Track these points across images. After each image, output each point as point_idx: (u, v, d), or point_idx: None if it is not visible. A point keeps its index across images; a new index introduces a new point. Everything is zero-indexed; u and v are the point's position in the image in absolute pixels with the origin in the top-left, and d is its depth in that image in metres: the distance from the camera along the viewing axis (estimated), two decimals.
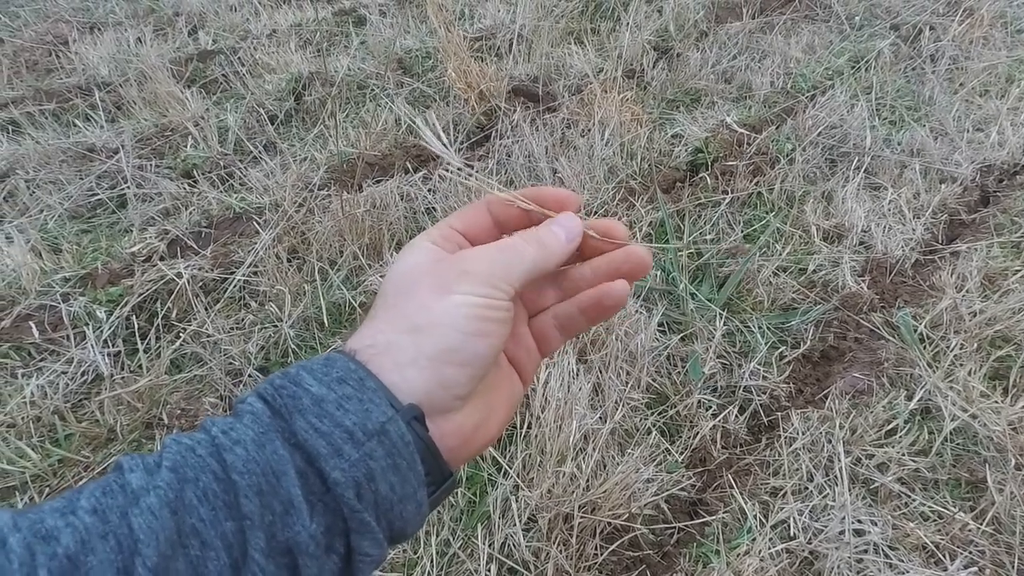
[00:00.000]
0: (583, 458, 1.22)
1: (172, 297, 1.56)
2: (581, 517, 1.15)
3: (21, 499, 1.23)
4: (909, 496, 1.25)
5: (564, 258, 0.38)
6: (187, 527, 0.27)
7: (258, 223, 1.79)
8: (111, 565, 0.25)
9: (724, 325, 1.54)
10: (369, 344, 0.33)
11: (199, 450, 0.29)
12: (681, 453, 1.32)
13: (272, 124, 2.23)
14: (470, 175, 0.40)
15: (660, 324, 1.54)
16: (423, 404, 0.33)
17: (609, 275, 0.41)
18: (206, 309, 1.55)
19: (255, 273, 1.65)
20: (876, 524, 1.19)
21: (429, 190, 1.90)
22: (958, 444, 1.34)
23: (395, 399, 0.32)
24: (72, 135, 2.19)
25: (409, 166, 2.01)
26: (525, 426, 1.29)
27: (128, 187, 1.92)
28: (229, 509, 0.28)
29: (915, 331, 1.54)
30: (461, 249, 0.38)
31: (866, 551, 1.16)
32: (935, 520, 1.22)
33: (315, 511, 0.29)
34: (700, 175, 2.04)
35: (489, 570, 1.12)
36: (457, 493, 1.23)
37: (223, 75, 2.50)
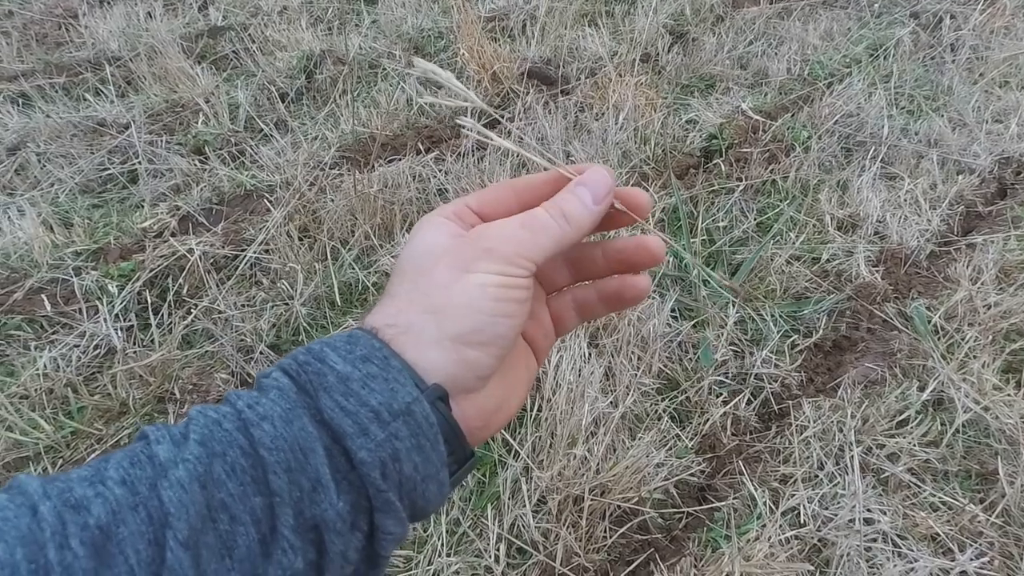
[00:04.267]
0: (594, 441, 1.22)
1: (184, 273, 1.56)
2: (591, 500, 1.16)
3: (34, 469, 1.24)
4: (919, 486, 1.24)
5: (591, 228, 0.36)
6: (216, 502, 0.27)
7: (269, 201, 1.78)
8: (142, 537, 0.25)
9: (736, 312, 1.53)
10: (391, 323, 0.33)
11: (226, 424, 0.29)
12: (691, 439, 1.32)
13: (283, 102, 2.22)
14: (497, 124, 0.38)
15: (672, 310, 1.53)
16: (447, 385, 0.32)
17: (621, 263, 0.40)
18: (217, 286, 1.55)
19: (266, 251, 1.65)
20: (886, 513, 1.19)
21: (441, 171, 1.88)
22: (970, 436, 1.34)
23: (420, 379, 0.32)
24: (83, 109, 2.18)
25: (421, 147, 1.99)
26: (536, 409, 1.29)
27: (139, 162, 1.91)
28: (257, 484, 0.28)
29: (929, 322, 1.53)
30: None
31: (875, 540, 1.16)
32: (945, 511, 1.22)
33: (341, 489, 0.29)
34: (714, 161, 2.02)
35: (498, 550, 1.13)
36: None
37: (233, 51, 2.48)
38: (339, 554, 0.29)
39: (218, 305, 1.51)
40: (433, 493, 0.32)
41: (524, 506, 1.16)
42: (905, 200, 1.90)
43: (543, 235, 0.34)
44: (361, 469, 0.29)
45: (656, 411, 1.35)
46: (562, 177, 0.38)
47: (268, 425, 0.29)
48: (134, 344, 1.45)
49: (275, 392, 0.30)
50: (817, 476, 1.26)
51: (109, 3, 2.88)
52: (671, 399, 1.38)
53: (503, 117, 2.10)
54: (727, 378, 1.44)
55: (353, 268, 1.63)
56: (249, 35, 2.55)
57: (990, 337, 1.49)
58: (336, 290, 1.57)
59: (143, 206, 1.80)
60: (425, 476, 0.31)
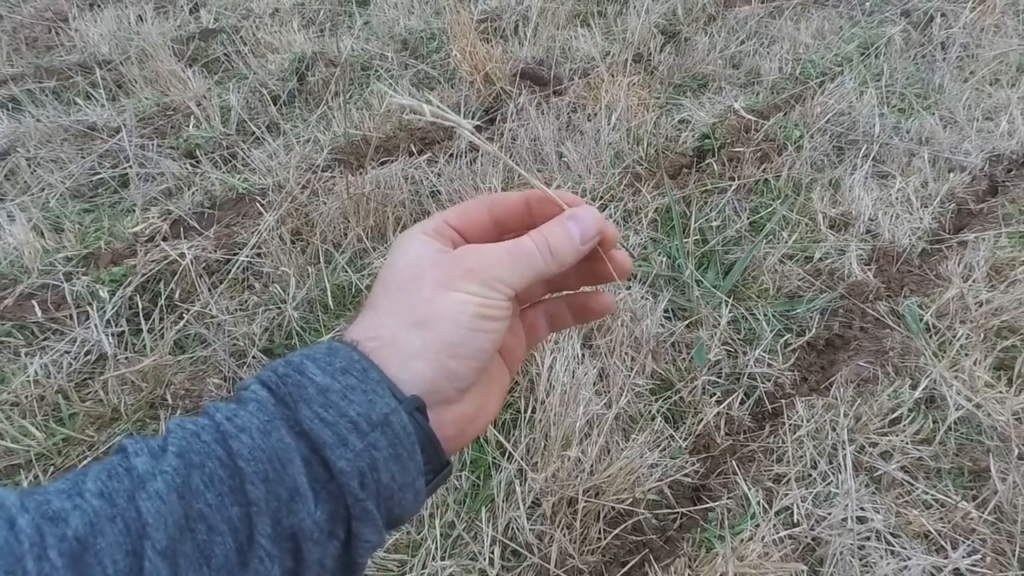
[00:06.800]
0: (588, 443, 1.22)
1: (175, 278, 1.56)
2: (585, 501, 1.16)
3: (25, 477, 1.23)
4: (912, 484, 1.25)
5: (572, 264, 0.38)
6: (194, 512, 0.27)
7: (261, 204, 1.78)
8: (120, 547, 0.25)
9: (729, 312, 1.54)
10: (372, 336, 0.34)
11: (204, 436, 0.29)
12: (685, 439, 1.32)
13: (275, 104, 2.21)
14: (483, 143, 0.39)
15: (666, 310, 1.54)
16: (427, 396, 0.33)
17: (591, 274, 0.41)
18: (210, 290, 1.55)
19: (259, 255, 1.64)
20: (879, 512, 1.19)
21: (434, 173, 1.88)
22: (962, 433, 1.34)
23: (398, 390, 0.32)
24: (73, 113, 2.17)
25: (414, 149, 1.99)
26: (529, 411, 1.29)
27: (130, 166, 1.90)
28: (235, 495, 0.28)
29: (921, 320, 1.54)
30: (455, 245, 0.38)
31: (868, 538, 1.16)
32: (937, 508, 1.22)
33: (319, 498, 0.30)
34: (707, 161, 2.02)
35: (492, 552, 1.13)
36: (461, 476, 1.23)
37: (225, 54, 2.47)
38: (316, 562, 0.30)
39: (210, 310, 1.50)
40: (409, 501, 0.33)
41: (518, 508, 1.16)
42: (897, 198, 1.91)
43: (526, 264, 0.36)
44: (340, 479, 0.30)
45: (650, 412, 1.35)
46: (534, 198, 0.39)
47: (246, 437, 0.29)
48: (126, 350, 1.44)
49: (253, 404, 0.31)
50: (810, 475, 1.26)
51: (99, 6, 2.87)
52: (664, 400, 1.38)
53: (493, 122, 2.10)
54: (720, 378, 1.44)
55: (346, 271, 1.62)
56: (241, 37, 2.54)
57: (981, 334, 1.49)
58: (329, 293, 1.56)
59: (134, 210, 1.79)
60: (402, 485, 0.32)
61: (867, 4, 2.92)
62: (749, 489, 1.23)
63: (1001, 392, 1.38)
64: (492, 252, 0.36)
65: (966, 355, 1.44)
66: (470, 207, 0.40)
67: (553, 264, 0.36)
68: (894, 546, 1.15)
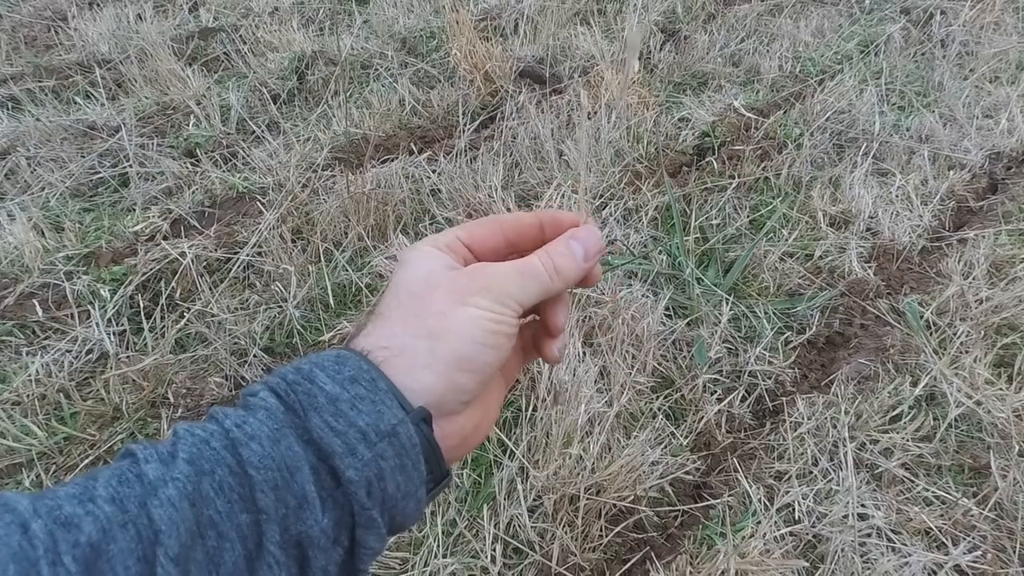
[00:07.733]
0: (589, 441, 1.22)
1: (176, 277, 1.56)
2: (587, 499, 1.16)
3: (27, 476, 1.23)
4: (913, 481, 1.25)
5: (576, 282, 0.40)
6: (204, 519, 0.28)
7: (262, 203, 1.78)
8: (131, 553, 0.26)
9: (730, 310, 1.54)
10: (384, 346, 0.35)
11: (213, 443, 0.30)
12: (686, 437, 1.32)
13: (275, 103, 2.21)
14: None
15: (666, 309, 1.54)
16: (432, 407, 0.34)
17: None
18: (210, 289, 1.55)
19: (259, 253, 1.64)
20: (880, 509, 1.20)
21: (434, 171, 1.88)
22: (962, 430, 1.34)
23: (405, 401, 0.33)
24: (73, 112, 2.17)
25: (414, 147, 1.99)
26: (531, 409, 1.29)
27: (130, 166, 1.90)
28: (244, 502, 0.29)
29: (921, 318, 1.54)
30: (466, 262, 0.39)
31: (869, 535, 1.17)
32: (938, 505, 1.22)
33: (326, 506, 0.30)
34: (707, 159, 2.03)
35: (494, 550, 1.13)
36: (462, 474, 1.23)
37: (225, 53, 2.47)
38: (321, 569, 0.30)
39: (211, 308, 1.50)
40: (411, 510, 0.34)
41: (520, 506, 1.16)
42: (897, 196, 1.91)
43: (534, 283, 0.38)
44: (348, 487, 0.30)
45: (651, 409, 1.35)
46: (548, 217, 0.42)
47: (256, 445, 0.30)
48: (127, 349, 1.44)
49: (263, 412, 0.31)
50: (811, 472, 1.26)
51: (99, 5, 2.86)
52: (665, 397, 1.38)
53: (493, 120, 2.09)
54: (721, 376, 1.44)
55: (346, 270, 1.62)
56: (240, 36, 2.54)
57: (982, 332, 1.49)
58: (330, 292, 1.57)
59: (135, 209, 1.79)
60: (405, 494, 0.33)
61: (867, 2, 2.92)
62: (750, 486, 1.23)
63: (1001, 389, 1.38)
64: (503, 270, 0.37)
65: (966, 352, 1.44)
66: (483, 226, 0.41)
67: (559, 282, 0.39)
68: (895, 543, 1.15)
